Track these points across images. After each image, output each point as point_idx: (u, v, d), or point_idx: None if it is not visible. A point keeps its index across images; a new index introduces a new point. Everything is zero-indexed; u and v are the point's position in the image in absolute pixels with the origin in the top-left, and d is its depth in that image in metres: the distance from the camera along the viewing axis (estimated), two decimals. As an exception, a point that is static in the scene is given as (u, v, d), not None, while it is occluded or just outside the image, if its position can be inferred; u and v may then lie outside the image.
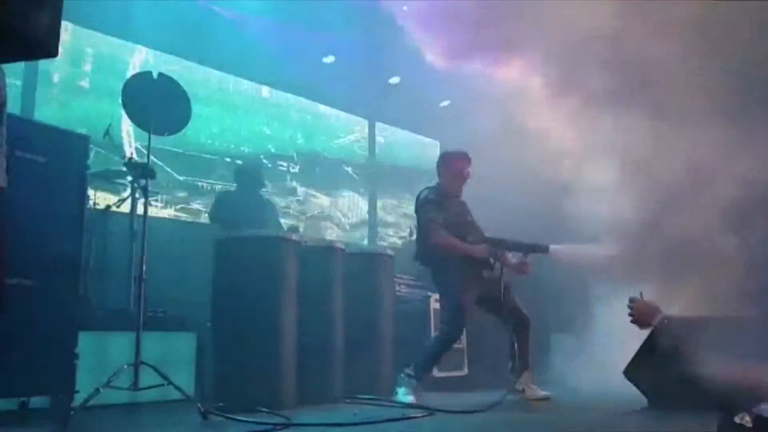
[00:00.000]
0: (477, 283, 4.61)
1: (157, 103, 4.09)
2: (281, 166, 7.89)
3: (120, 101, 4.15)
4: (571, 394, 4.76)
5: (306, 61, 7.43)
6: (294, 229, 6.75)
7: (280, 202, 7.37)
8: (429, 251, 4.68)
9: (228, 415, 3.55)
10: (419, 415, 3.77)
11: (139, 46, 6.65)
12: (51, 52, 1.86)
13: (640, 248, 3.61)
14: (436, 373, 5.27)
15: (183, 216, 6.81)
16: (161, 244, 4.68)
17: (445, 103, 8.40)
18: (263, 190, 6.43)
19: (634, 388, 3.88)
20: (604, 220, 3.77)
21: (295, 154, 8.05)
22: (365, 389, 4.63)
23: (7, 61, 2.44)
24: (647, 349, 3.81)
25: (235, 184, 6.33)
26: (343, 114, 8.73)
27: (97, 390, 3.48)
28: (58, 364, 3.73)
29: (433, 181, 4.96)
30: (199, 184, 6.99)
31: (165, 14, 6.17)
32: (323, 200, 8.39)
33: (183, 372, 4.51)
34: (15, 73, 5.51)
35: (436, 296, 5.96)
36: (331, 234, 8.25)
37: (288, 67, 7.19)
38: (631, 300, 3.72)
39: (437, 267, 4.73)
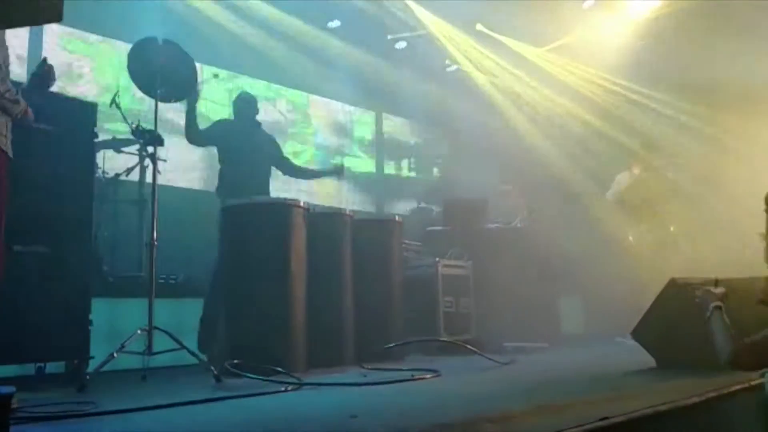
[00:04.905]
0: None
1: (163, 70, 4.07)
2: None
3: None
4: (580, 355, 4.80)
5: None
6: (339, 169, 5.76)
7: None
8: None
9: (243, 373, 3.61)
10: (428, 376, 3.81)
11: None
12: (55, 16, 1.86)
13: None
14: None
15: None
16: (171, 211, 4.69)
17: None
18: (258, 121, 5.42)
19: (642, 349, 3.91)
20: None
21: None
22: (375, 353, 4.67)
23: (14, 26, 2.44)
24: (655, 311, 3.83)
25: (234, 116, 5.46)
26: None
27: (112, 355, 3.53)
28: (73, 330, 3.79)
29: None
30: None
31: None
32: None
33: (195, 337, 4.55)
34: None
35: (445, 261, 5.99)
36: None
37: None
38: None
39: None
